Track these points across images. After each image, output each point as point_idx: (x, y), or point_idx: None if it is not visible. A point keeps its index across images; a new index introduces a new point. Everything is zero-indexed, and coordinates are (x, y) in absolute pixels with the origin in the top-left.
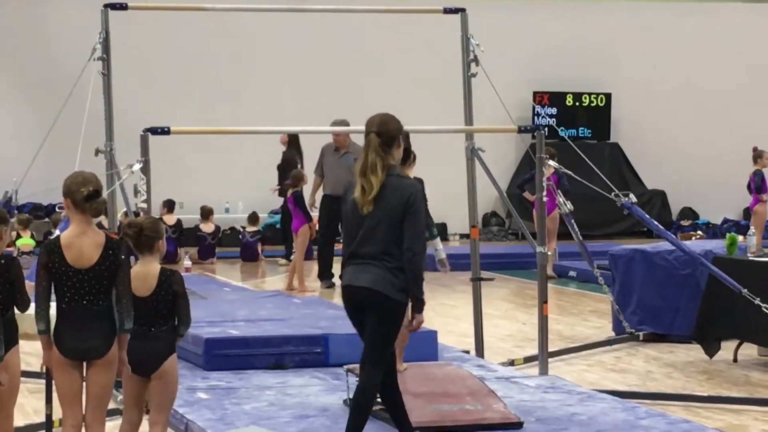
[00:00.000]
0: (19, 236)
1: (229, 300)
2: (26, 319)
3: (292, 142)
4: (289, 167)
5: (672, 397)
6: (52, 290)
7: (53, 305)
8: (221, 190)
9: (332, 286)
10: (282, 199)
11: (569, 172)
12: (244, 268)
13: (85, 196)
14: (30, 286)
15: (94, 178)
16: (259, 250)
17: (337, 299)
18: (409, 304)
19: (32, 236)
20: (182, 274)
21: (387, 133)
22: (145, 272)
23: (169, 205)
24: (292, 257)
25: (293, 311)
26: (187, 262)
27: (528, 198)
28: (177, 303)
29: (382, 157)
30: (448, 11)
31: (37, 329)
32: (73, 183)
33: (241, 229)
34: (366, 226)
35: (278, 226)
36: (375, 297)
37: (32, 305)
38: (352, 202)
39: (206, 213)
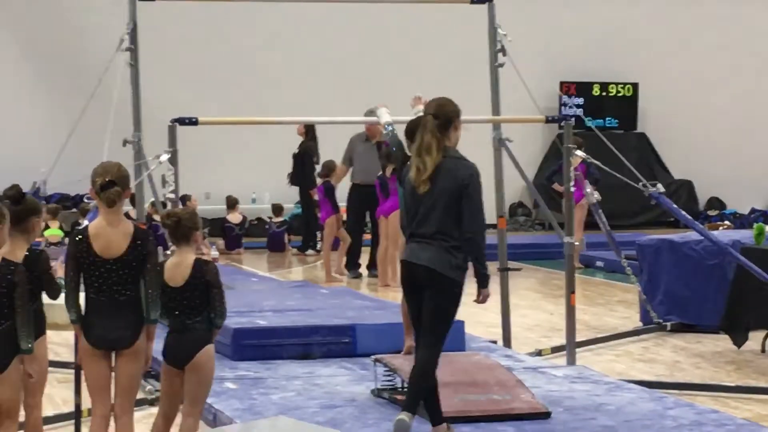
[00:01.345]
0: (47, 226)
1: (257, 290)
2: (55, 309)
3: (309, 132)
4: (306, 158)
5: (700, 387)
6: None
7: (82, 295)
8: (248, 180)
9: (359, 276)
10: (297, 189)
11: (596, 162)
12: (271, 258)
13: (99, 186)
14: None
15: (114, 168)
16: (286, 241)
17: (364, 289)
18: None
19: (60, 227)
20: None
21: (444, 115)
22: (180, 262)
23: (182, 201)
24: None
25: (320, 301)
26: (215, 253)
27: (557, 189)
28: (210, 294)
29: (438, 138)
30: (475, 1)
31: (70, 319)
32: (94, 173)
33: (268, 220)
34: (423, 206)
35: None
36: (433, 276)
37: (62, 294)
38: (409, 182)
39: (232, 203)
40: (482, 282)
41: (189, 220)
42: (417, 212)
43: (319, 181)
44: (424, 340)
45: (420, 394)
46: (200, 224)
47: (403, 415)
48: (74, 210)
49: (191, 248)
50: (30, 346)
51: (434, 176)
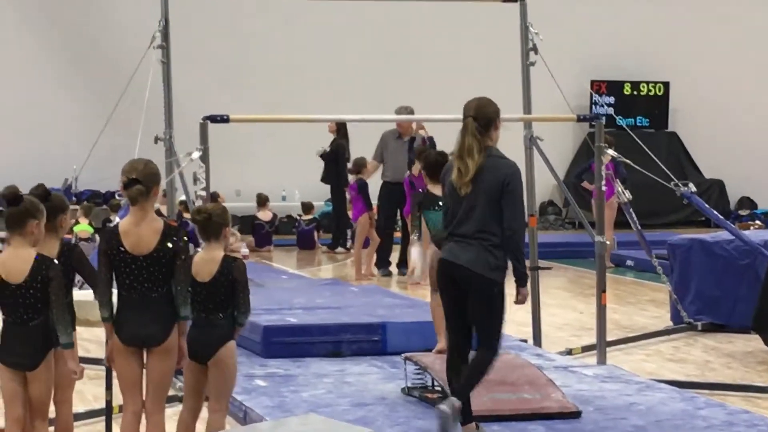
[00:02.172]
0: (77, 222)
1: (287, 288)
2: (85, 305)
3: (341, 130)
4: (338, 155)
5: (731, 388)
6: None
7: (114, 292)
8: (278, 178)
9: (389, 274)
10: (326, 187)
11: (627, 161)
12: (301, 255)
13: (123, 183)
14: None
15: (140, 165)
16: (316, 238)
17: (395, 287)
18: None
19: (90, 223)
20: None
21: (484, 117)
22: (208, 258)
23: (212, 198)
24: (347, 247)
25: (351, 299)
26: (245, 250)
27: (587, 187)
28: (236, 291)
29: (479, 140)
30: (506, 0)
31: (101, 316)
32: (123, 170)
33: (298, 217)
34: (464, 207)
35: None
36: (472, 277)
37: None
38: (450, 184)
39: (262, 201)
40: (521, 281)
41: (220, 216)
42: (457, 213)
43: (351, 178)
44: (480, 339)
45: (473, 385)
46: (230, 220)
47: (449, 404)
48: (105, 207)
49: (220, 244)
50: (70, 340)
51: (476, 177)
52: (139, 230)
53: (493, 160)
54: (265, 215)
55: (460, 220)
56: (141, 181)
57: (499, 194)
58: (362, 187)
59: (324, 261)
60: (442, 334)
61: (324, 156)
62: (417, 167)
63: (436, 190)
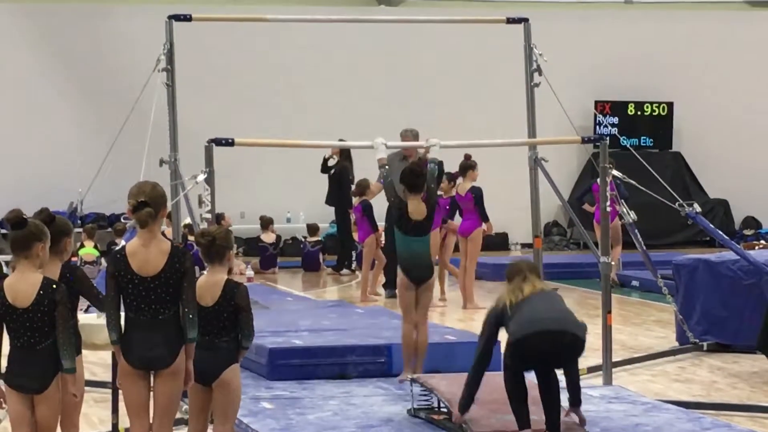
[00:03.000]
0: (82, 245)
1: (292, 310)
2: (92, 328)
3: (343, 152)
4: (342, 177)
5: (737, 408)
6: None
7: (122, 314)
8: (283, 200)
9: (395, 296)
10: (331, 209)
11: (632, 181)
12: (306, 277)
13: (132, 206)
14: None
15: (148, 188)
16: (321, 260)
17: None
18: None
19: (95, 246)
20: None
21: None
22: (212, 282)
23: (216, 219)
24: (352, 269)
25: (356, 321)
26: (250, 272)
27: (588, 210)
28: (239, 316)
29: None
30: (511, 21)
31: (109, 339)
32: (129, 193)
33: (303, 239)
34: None
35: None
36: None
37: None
38: None
39: (266, 223)
40: None
41: (223, 239)
42: None
43: (355, 200)
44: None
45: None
46: (233, 243)
47: None
48: (109, 230)
49: (224, 267)
50: (72, 365)
51: None
52: (147, 252)
53: None
54: (269, 237)
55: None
56: (150, 204)
57: None
58: (367, 209)
59: (329, 283)
60: (408, 364)
61: (327, 167)
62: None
63: (414, 207)
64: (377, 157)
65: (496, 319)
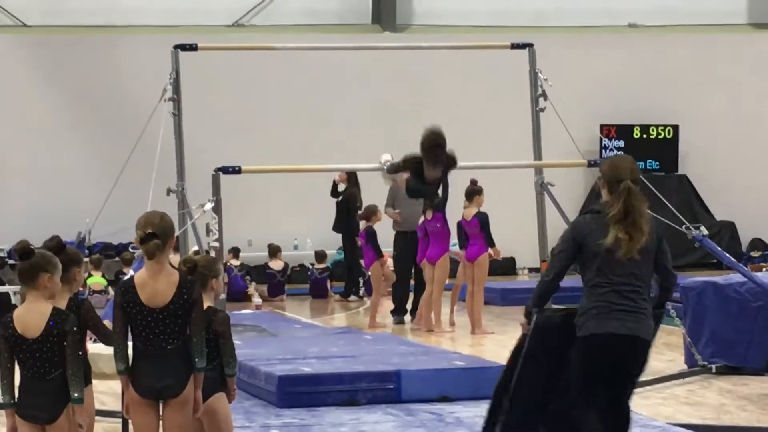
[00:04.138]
0: (90, 275)
1: (300, 337)
2: (101, 358)
3: (351, 178)
4: (350, 204)
5: (747, 430)
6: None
7: (130, 344)
8: (290, 227)
9: (402, 322)
10: (338, 236)
11: None
12: (314, 304)
13: (140, 238)
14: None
15: (156, 219)
16: (329, 287)
17: (409, 335)
18: None
19: (103, 275)
20: (252, 311)
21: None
22: None
23: (234, 252)
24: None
25: (365, 347)
26: (258, 300)
27: None
28: (219, 343)
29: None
30: (515, 46)
31: (117, 369)
32: (137, 223)
33: (310, 266)
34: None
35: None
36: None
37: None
38: (604, 249)
39: (274, 250)
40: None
41: (205, 267)
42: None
43: (361, 225)
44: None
45: None
46: (219, 272)
47: None
48: (117, 259)
49: (208, 296)
50: (81, 396)
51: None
52: (156, 283)
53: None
54: (276, 264)
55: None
56: (158, 235)
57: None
58: (370, 236)
59: (337, 309)
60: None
61: (336, 192)
62: (430, 212)
63: (429, 171)
64: (382, 160)
65: None
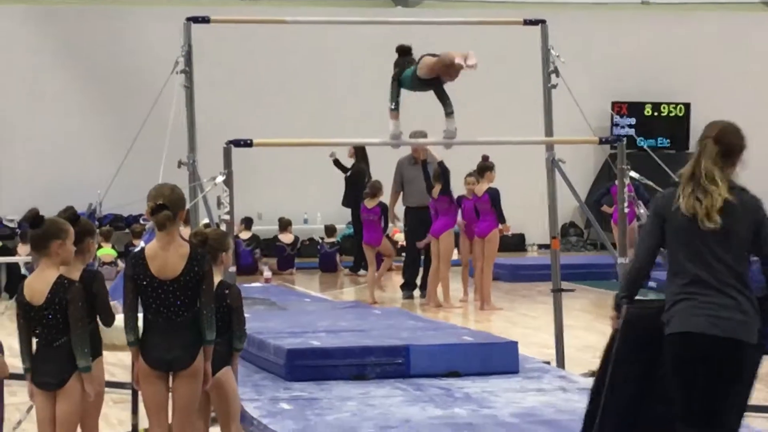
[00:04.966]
0: (99, 246)
1: (310, 311)
2: (111, 330)
3: (359, 154)
4: (358, 179)
5: (755, 409)
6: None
7: (140, 316)
8: (300, 201)
9: (412, 297)
10: (349, 211)
11: (649, 182)
12: (323, 278)
13: (151, 209)
14: (112, 304)
15: (167, 190)
16: (338, 261)
17: (418, 310)
18: None
19: (113, 247)
20: (262, 284)
21: (727, 144)
22: None
23: (247, 223)
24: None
25: (374, 322)
26: (267, 273)
27: (606, 211)
28: (231, 317)
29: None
30: (528, 23)
31: (127, 341)
32: (148, 195)
33: (320, 240)
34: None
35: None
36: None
37: (119, 317)
38: (679, 217)
39: (284, 224)
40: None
41: (216, 241)
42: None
43: (370, 202)
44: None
45: None
46: (229, 246)
47: None
48: (126, 231)
49: (218, 269)
50: (87, 364)
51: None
52: (166, 255)
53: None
54: (286, 238)
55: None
56: (168, 207)
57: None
58: (385, 211)
59: (346, 283)
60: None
61: (338, 163)
62: (435, 191)
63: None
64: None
65: None
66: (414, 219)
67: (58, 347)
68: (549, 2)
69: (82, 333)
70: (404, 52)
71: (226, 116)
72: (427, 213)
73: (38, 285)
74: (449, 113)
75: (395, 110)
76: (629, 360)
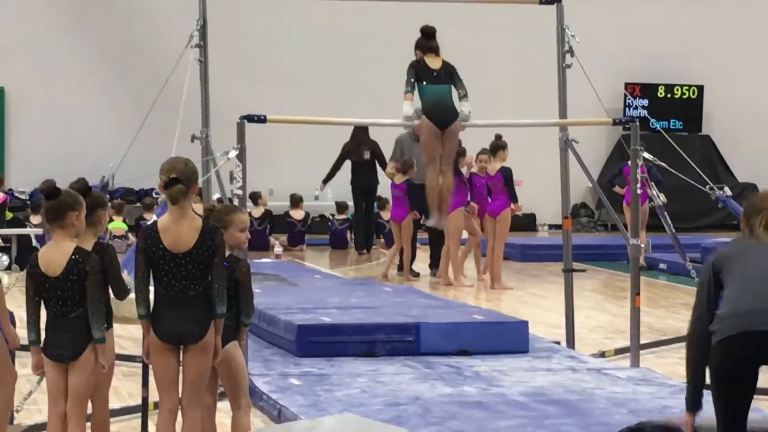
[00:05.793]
0: (111, 219)
1: (320, 287)
2: (123, 303)
3: (362, 137)
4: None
5: (764, 392)
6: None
7: (151, 289)
8: (311, 177)
9: (417, 275)
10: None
11: (662, 164)
12: (333, 255)
13: (164, 182)
14: (123, 276)
15: (180, 164)
16: (348, 238)
17: (429, 288)
18: None
19: (124, 220)
20: (272, 260)
21: None
22: None
23: (252, 198)
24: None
25: (384, 299)
26: (278, 249)
27: (619, 192)
28: (239, 291)
29: None
30: (544, 2)
31: (138, 314)
32: (161, 168)
33: (330, 217)
34: None
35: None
36: None
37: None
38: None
39: (296, 201)
40: None
41: (216, 217)
42: None
43: (400, 177)
44: None
45: None
46: (232, 223)
47: None
48: (138, 204)
49: (228, 246)
50: (102, 335)
51: None
52: (179, 228)
53: None
54: (297, 214)
55: None
56: (181, 181)
57: None
58: (411, 188)
59: (356, 261)
60: (434, 209)
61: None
62: None
63: (430, 60)
64: (404, 114)
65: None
66: (422, 196)
67: (74, 319)
68: None
69: (98, 304)
70: (428, 35)
71: (240, 92)
72: None
73: (55, 256)
74: (463, 96)
75: (410, 92)
76: None
